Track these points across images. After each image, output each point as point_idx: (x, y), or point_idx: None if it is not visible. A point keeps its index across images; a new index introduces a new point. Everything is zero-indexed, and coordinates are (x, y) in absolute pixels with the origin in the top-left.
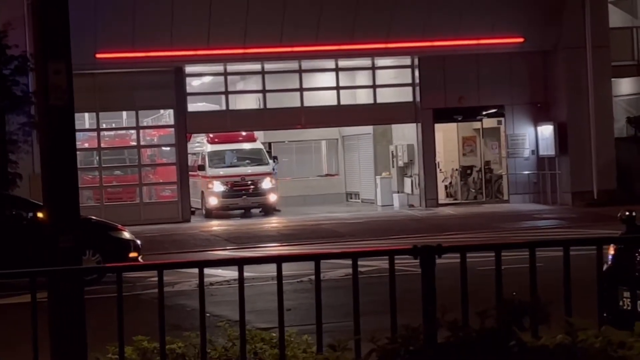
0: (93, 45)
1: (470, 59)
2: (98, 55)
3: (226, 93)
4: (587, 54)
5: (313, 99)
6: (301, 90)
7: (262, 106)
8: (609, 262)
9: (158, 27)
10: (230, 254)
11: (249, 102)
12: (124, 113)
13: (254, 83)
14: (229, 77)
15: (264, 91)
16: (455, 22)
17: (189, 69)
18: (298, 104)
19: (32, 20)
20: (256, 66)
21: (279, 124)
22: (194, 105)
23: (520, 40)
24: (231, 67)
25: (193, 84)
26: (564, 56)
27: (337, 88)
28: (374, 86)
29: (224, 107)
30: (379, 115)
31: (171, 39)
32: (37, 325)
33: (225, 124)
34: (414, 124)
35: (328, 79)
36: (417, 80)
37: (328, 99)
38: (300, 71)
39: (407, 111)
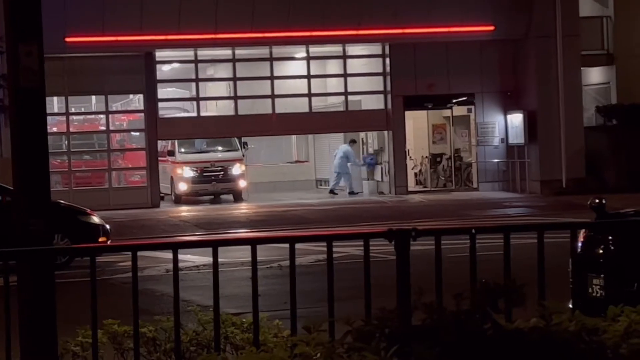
0: (62, 28)
1: (441, 47)
2: (67, 39)
3: (197, 100)
4: (557, 42)
5: (285, 105)
6: (273, 97)
7: (233, 112)
8: (578, 250)
9: (128, 12)
10: (201, 239)
11: (221, 106)
12: (93, 97)
13: (225, 89)
14: (199, 79)
15: (235, 97)
16: (426, 9)
17: (159, 54)
18: (270, 111)
19: (3, 1)
20: (227, 52)
21: (251, 131)
22: (163, 92)
23: (491, 28)
24: (202, 54)
25: (163, 69)
26: (534, 45)
27: (309, 95)
28: (345, 93)
29: (194, 114)
30: (351, 121)
31: (141, 23)
32: (9, 309)
33: (197, 130)
34: (384, 112)
35: (300, 85)
36: (387, 69)
37: (300, 105)
38: (272, 78)
39: (379, 118)
